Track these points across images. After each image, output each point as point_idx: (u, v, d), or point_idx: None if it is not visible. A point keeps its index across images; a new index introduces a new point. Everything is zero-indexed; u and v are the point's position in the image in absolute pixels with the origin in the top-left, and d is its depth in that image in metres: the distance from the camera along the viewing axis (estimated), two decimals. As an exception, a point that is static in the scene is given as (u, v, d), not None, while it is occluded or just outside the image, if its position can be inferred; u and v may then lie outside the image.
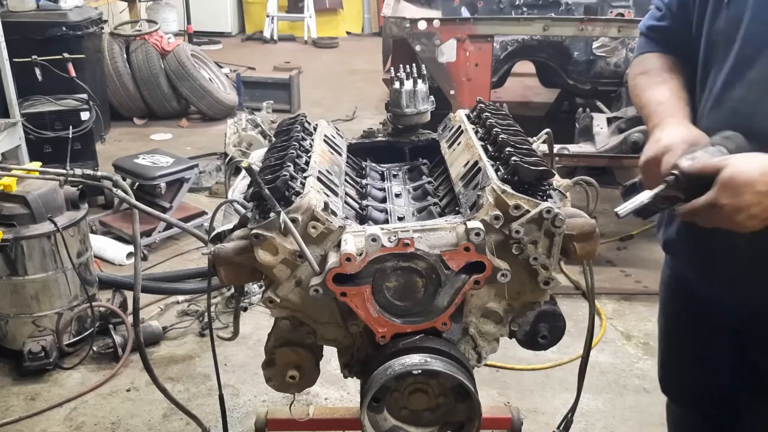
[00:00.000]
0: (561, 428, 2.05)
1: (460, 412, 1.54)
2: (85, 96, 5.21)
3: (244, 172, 1.72)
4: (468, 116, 2.06)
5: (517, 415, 2.47)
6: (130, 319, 3.34)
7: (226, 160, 5.12)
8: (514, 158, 1.57)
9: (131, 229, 2.02)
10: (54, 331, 3.26)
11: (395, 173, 2.12)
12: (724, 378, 1.80)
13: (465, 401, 1.52)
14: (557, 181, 1.68)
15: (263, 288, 1.58)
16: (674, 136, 1.48)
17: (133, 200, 1.92)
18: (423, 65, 2.77)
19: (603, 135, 4.37)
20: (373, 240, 1.43)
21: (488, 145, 1.79)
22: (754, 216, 1.31)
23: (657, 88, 1.66)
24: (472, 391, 1.48)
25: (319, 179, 1.65)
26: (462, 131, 1.96)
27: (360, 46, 10.99)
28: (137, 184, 4.51)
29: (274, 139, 1.95)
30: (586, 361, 1.88)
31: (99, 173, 2.03)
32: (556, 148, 3.09)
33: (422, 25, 3.94)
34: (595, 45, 5.17)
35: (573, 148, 4.32)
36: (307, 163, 1.73)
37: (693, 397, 1.96)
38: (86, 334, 3.37)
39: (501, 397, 3.13)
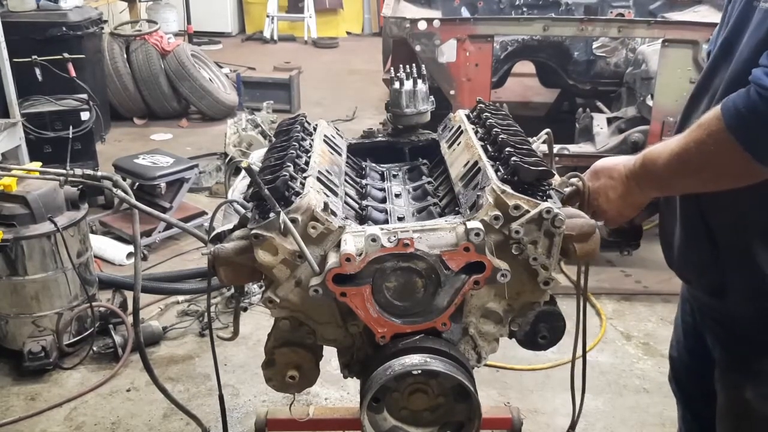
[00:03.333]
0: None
1: (460, 412, 1.55)
2: (85, 96, 5.21)
3: (244, 172, 1.71)
4: (468, 116, 2.06)
5: (517, 415, 2.47)
6: (130, 319, 3.33)
7: (226, 160, 5.12)
8: (514, 158, 1.57)
9: (131, 229, 2.02)
10: (54, 331, 3.26)
11: (395, 173, 2.12)
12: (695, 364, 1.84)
13: (465, 401, 1.52)
14: (557, 181, 1.68)
15: (263, 288, 1.58)
16: None
17: (133, 200, 1.92)
18: (423, 65, 2.76)
19: (603, 135, 4.37)
20: (373, 240, 1.43)
21: (488, 145, 1.79)
22: (610, 200, 1.58)
23: None
24: (471, 391, 1.48)
25: (318, 179, 1.65)
26: (462, 131, 1.96)
27: (360, 46, 10.98)
28: (137, 184, 4.51)
29: (274, 139, 1.95)
30: (575, 364, 1.87)
31: (99, 173, 2.02)
32: (556, 148, 3.09)
33: (422, 25, 3.94)
34: (595, 45, 5.18)
35: (573, 148, 4.31)
36: (307, 164, 1.73)
37: (680, 387, 2.01)
38: (86, 334, 3.37)
39: (501, 397, 3.13)
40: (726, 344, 1.63)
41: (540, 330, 1.61)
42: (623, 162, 1.56)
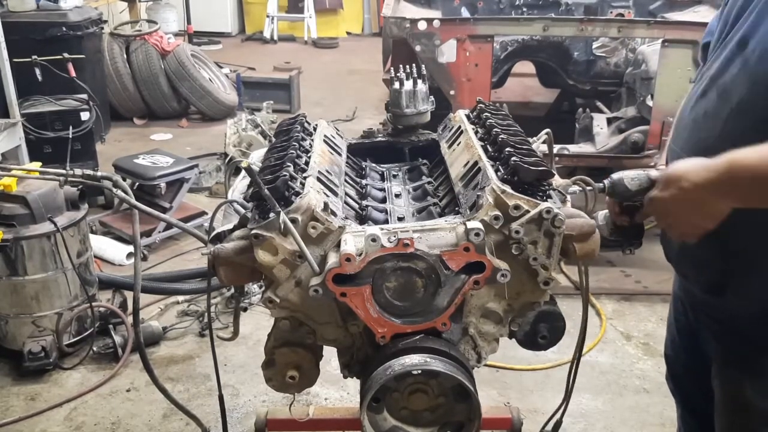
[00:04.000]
0: (551, 429, 2.05)
1: (460, 412, 1.55)
2: (85, 96, 5.21)
3: (244, 172, 1.72)
4: (468, 116, 2.06)
5: (517, 415, 2.47)
6: (130, 319, 3.33)
7: (226, 160, 5.12)
8: (514, 158, 1.57)
9: (131, 229, 2.02)
10: (54, 331, 3.26)
11: (395, 173, 2.12)
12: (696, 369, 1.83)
13: (465, 401, 1.53)
14: (557, 181, 1.68)
15: (263, 288, 1.58)
16: None
17: (133, 200, 1.92)
18: (423, 65, 2.76)
19: (603, 135, 4.38)
20: (373, 240, 1.44)
21: (488, 146, 1.79)
22: (680, 212, 1.43)
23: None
24: (471, 392, 1.48)
25: (318, 179, 1.65)
26: (462, 131, 1.97)
27: (360, 46, 10.98)
28: (137, 184, 4.51)
29: (274, 140, 1.95)
30: (577, 364, 1.87)
31: (99, 173, 2.02)
32: (556, 148, 3.09)
33: (422, 25, 3.94)
34: (595, 45, 5.18)
35: (573, 148, 4.31)
36: (306, 164, 1.73)
37: (678, 385, 2.01)
38: (86, 334, 3.37)
39: (501, 397, 3.13)
40: (723, 341, 1.63)
41: (540, 330, 1.61)
42: (698, 168, 1.39)
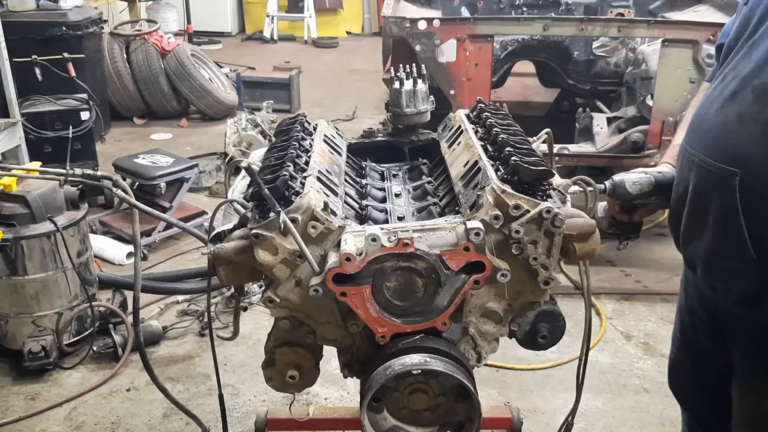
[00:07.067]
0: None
1: (460, 412, 1.55)
2: (85, 96, 5.21)
3: (244, 171, 1.72)
4: (468, 116, 2.06)
5: (517, 415, 2.46)
6: (130, 319, 3.33)
7: (226, 160, 5.12)
8: (514, 158, 1.57)
9: (131, 229, 2.02)
10: (54, 331, 3.26)
11: (395, 173, 2.12)
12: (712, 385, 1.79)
13: (465, 401, 1.52)
14: (557, 181, 1.68)
15: (263, 288, 1.58)
16: None
17: (133, 200, 1.92)
18: (423, 65, 2.76)
19: (603, 135, 4.38)
20: (373, 240, 1.43)
21: (488, 145, 1.79)
22: None
23: (681, 131, 1.79)
24: (472, 391, 1.48)
25: (318, 179, 1.65)
26: (462, 131, 1.97)
27: (360, 46, 10.99)
28: (137, 184, 4.51)
29: (274, 139, 1.95)
30: (585, 365, 1.86)
31: (99, 173, 2.03)
32: (556, 148, 3.09)
33: (422, 25, 3.94)
34: (595, 45, 5.19)
35: (573, 148, 4.32)
36: (306, 163, 1.73)
37: (685, 398, 1.99)
38: (86, 334, 3.37)
39: (501, 397, 3.13)
40: (750, 354, 1.57)
41: (540, 330, 1.61)
42: None
